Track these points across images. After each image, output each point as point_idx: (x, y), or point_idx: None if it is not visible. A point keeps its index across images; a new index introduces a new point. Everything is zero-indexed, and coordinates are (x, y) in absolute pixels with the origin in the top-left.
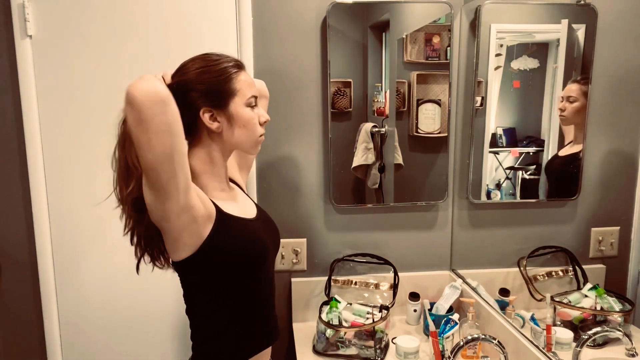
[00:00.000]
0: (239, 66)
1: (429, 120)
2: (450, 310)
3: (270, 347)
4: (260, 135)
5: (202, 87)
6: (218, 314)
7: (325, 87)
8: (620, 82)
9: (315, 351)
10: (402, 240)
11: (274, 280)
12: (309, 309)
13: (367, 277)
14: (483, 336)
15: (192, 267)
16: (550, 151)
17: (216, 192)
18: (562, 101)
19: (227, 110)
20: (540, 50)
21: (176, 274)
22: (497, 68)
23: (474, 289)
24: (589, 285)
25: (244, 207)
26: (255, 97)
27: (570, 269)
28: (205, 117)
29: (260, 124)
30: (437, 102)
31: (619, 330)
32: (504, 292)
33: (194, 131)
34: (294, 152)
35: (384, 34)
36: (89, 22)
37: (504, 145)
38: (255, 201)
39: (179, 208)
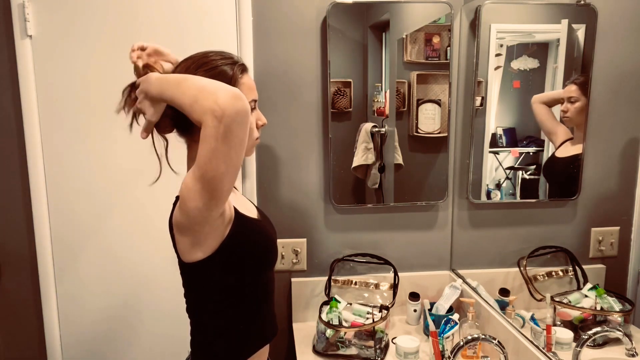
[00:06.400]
0: (242, 69)
1: (429, 120)
2: (450, 310)
3: (268, 344)
4: (257, 139)
5: None
6: (225, 313)
7: (325, 87)
8: (620, 82)
9: (315, 351)
10: (402, 240)
11: (274, 278)
12: (309, 309)
13: (367, 277)
14: (483, 336)
15: (207, 267)
16: (550, 151)
17: None
18: (563, 102)
19: None
20: (540, 50)
21: (175, 271)
22: (497, 68)
23: (474, 289)
24: (589, 285)
25: (248, 207)
26: (255, 101)
27: (570, 269)
28: None
29: (257, 128)
30: (437, 102)
31: (619, 330)
32: (504, 292)
33: (191, 129)
34: (294, 152)
35: (384, 34)
36: (89, 22)
37: (504, 145)
38: (256, 201)
39: (220, 213)
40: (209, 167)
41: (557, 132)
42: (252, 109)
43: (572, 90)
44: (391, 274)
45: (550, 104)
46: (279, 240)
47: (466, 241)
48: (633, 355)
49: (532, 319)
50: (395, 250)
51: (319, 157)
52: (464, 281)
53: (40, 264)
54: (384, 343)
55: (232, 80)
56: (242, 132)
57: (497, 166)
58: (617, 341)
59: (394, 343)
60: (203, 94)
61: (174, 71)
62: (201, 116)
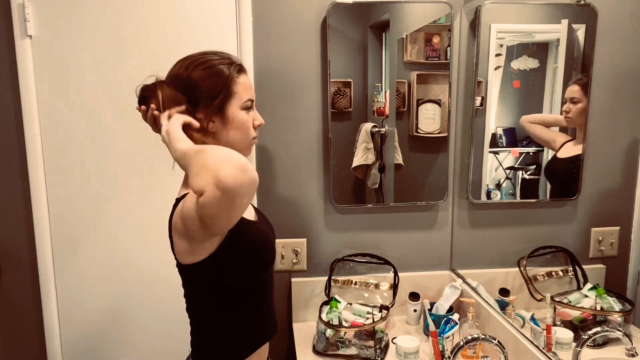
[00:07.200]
0: (239, 69)
1: (429, 120)
2: (450, 310)
3: (268, 342)
4: (253, 138)
5: (200, 88)
6: (224, 313)
7: (325, 87)
8: (620, 82)
9: (315, 351)
10: (402, 240)
11: (273, 276)
12: (309, 309)
13: (367, 277)
14: (483, 336)
15: (205, 269)
16: (550, 152)
17: None
18: (565, 103)
19: (222, 111)
20: (540, 50)
21: (175, 271)
22: (497, 68)
23: (474, 289)
24: (589, 285)
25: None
26: (252, 101)
27: (570, 269)
28: (200, 116)
29: (254, 128)
30: (437, 102)
31: (619, 330)
32: (504, 292)
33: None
34: (294, 152)
35: (384, 34)
36: (89, 22)
37: (504, 145)
38: (255, 201)
39: None
40: (206, 218)
41: (554, 139)
42: (249, 109)
43: (575, 90)
44: (391, 274)
45: (539, 124)
46: (279, 240)
47: (466, 241)
48: (633, 355)
49: (532, 319)
50: (395, 250)
51: (319, 157)
52: (464, 281)
53: (40, 263)
54: (384, 343)
55: (228, 79)
56: (246, 201)
57: (497, 166)
58: (617, 341)
59: (394, 343)
60: (204, 170)
61: (173, 70)
62: (200, 189)
